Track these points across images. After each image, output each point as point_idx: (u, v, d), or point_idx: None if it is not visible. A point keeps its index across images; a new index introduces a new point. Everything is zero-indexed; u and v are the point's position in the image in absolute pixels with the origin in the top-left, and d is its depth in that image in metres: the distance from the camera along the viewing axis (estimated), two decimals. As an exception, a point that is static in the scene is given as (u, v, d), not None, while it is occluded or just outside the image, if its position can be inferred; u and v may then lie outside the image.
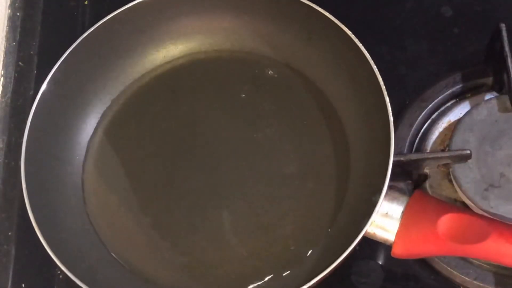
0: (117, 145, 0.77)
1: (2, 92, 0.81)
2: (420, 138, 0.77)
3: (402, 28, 0.84)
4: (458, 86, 0.78)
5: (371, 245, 0.70)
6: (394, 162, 0.66)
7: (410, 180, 0.74)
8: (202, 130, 0.76)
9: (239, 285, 0.70)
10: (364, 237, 0.65)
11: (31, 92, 0.81)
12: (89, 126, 0.78)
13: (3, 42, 0.83)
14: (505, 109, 0.73)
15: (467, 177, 0.71)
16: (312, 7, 0.73)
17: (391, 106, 0.68)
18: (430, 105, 0.77)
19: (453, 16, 0.83)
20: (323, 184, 0.72)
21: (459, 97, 0.78)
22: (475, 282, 0.71)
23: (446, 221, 0.65)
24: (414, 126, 0.77)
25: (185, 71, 0.79)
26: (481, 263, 0.71)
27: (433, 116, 0.77)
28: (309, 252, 0.70)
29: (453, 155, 0.71)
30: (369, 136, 0.71)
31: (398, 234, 0.66)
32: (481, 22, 0.82)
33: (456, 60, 0.81)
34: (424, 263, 0.73)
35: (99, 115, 0.78)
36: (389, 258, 0.68)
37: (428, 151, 0.75)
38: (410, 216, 0.66)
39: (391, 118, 0.67)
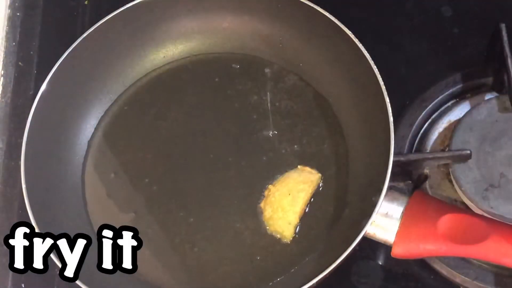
0: (117, 145, 0.77)
1: (2, 92, 0.81)
2: (420, 138, 0.77)
3: (402, 28, 0.84)
4: (458, 86, 0.78)
5: (371, 245, 0.70)
6: (394, 162, 0.66)
7: (410, 180, 0.74)
8: (201, 130, 0.76)
9: (239, 285, 0.70)
10: (364, 237, 0.65)
11: (31, 92, 0.81)
12: (89, 126, 0.78)
13: (3, 42, 0.83)
14: (505, 109, 0.73)
15: (467, 177, 0.71)
16: (312, 7, 0.73)
17: (391, 106, 0.68)
18: (430, 105, 0.77)
19: (453, 16, 0.84)
20: (323, 184, 0.72)
21: (459, 97, 0.78)
22: (475, 282, 0.71)
23: (446, 221, 0.65)
24: (414, 126, 0.77)
25: (185, 72, 0.79)
26: (481, 263, 0.71)
27: (433, 116, 0.77)
28: (310, 252, 0.70)
29: (453, 155, 0.71)
30: (369, 136, 0.71)
31: (398, 234, 0.66)
32: (481, 22, 0.82)
33: (456, 60, 0.81)
34: (424, 263, 0.73)
35: (99, 115, 0.78)
36: (389, 258, 0.68)
37: (428, 151, 0.75)
38: (410, 216, 0.66)
39: (391, 118, 0.67)
